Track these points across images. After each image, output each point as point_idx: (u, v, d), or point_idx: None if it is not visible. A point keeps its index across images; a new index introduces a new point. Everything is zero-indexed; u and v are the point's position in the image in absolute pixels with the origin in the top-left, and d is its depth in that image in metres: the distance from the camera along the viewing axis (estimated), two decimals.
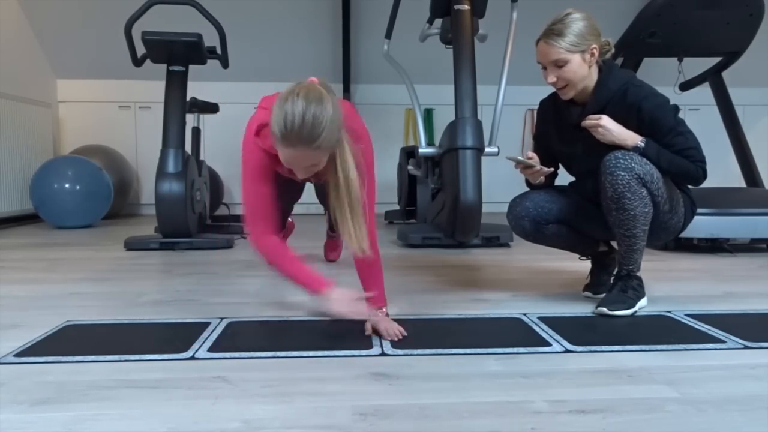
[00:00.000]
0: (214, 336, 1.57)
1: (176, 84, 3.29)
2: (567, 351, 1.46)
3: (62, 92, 5.24)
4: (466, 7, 3.08)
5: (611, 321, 1.73)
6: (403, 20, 3.76)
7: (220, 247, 3.24)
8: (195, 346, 1.49)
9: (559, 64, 1.75)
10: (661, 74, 3.36)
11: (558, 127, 1.94)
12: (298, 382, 1.26)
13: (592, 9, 1.82)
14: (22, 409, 1.12)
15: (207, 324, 1.69)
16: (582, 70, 1.76)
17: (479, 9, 3.20)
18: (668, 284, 2.25)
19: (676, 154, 1.73)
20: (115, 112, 5.28)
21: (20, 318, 1.77)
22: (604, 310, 1.77)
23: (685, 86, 3.65)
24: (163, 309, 1.88)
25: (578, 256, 2.12)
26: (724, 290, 2.16)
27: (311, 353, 1.43)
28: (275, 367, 1.34)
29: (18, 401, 1.15)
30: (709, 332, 1.61)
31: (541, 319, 1.74)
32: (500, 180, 4.65)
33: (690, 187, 1.87)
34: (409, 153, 4.20)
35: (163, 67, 3.29)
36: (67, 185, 4.16)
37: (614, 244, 1.94)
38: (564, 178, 2.04)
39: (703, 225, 2.87)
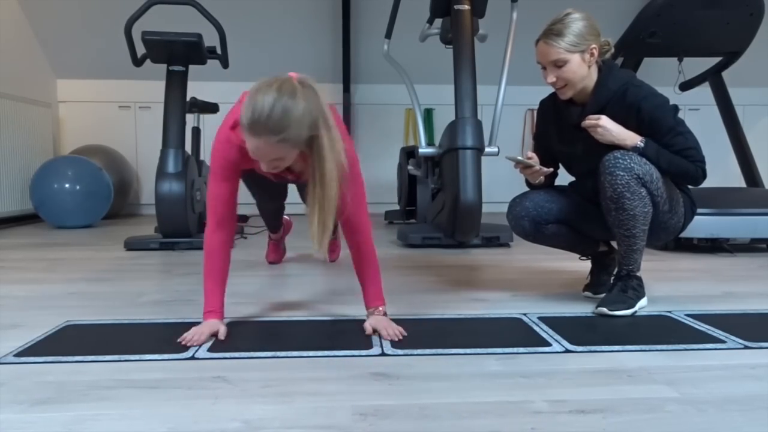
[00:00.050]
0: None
1: (176, 84, 3.29)
2: (567, 351, 1.46)
3: (62, 92, 5.24)
4: (466, 7, 3.08)
5: (611, 321, 1.73)
6: (403, 20, 3.76)
7: None
8: (195, 346, 1.49)
9: (559, 64, 1.75)
10: (661, 74, 3.36)
11: (558, 127, 1.94)
12: (298, 382, 1.25)
13: (592, 9, 1.82)
14: (22, 409, 1.12)
15: None
16: (581, 70, 1.75)
17: (479, 9, 3.20)
18: (668, 284, 2.25)
19: (676, 154, 1.73)
20: (115, 112, 5.28)
21: (20, 318, 1.77)
22: (604, 310, 1.77)
23: (685, 86, 3.65)
24: (163, 309, 1.88)
25: (578, 256, 2.12)
26: (724, 290, 2.16)
27: (311, 353, 1.43)
28: (275, 367, 1.34)
29: (18, 401, 1.15)
30: (709, 332, 1.61)
31: (541, 319, 1.74)
32: (500, 180, 4.66)
33: (690, 187, 1.87)
34: (409, 153, 4.20)
35: (163, 67, 3.29)
36: (67, 185, 4.16)
37: (614, 244, 1.94)
38: (564, 178, 2.04)
39: (703, 225, 2.87)
